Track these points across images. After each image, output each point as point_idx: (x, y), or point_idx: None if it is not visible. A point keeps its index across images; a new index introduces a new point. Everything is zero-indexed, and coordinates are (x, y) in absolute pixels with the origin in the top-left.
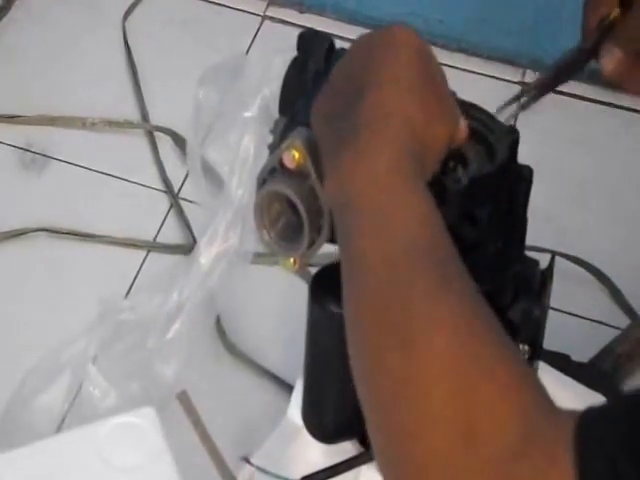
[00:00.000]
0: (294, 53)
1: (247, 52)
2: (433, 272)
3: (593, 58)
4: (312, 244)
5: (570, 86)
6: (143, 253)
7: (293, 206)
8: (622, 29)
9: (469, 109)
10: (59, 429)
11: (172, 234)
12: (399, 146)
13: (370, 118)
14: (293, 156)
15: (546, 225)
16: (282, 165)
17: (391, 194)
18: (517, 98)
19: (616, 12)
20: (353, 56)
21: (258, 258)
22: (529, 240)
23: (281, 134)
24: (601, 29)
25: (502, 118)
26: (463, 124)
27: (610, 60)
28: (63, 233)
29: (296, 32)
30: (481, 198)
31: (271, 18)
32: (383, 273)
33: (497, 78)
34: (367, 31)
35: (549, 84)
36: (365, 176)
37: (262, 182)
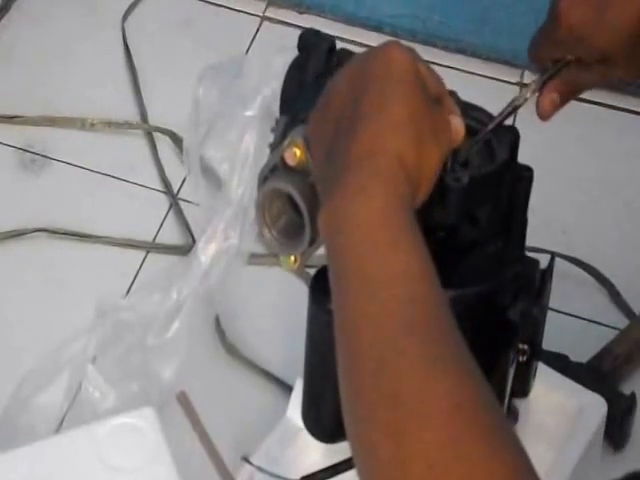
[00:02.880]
0: (294, 53)
1: (246, 53)
2: (421, 350)
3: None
4: (313, 242)
5: None
6: (142, 253)
7: (294, 204)
8: (568, 75)
9: (469, 110)
10: (58, 430)
11: (171, 234)
12: (388, 187)
13: (359, 155)
14: (294, 153)
15: (546, 226)
16: (284, 163)
17: (378, 251)
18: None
19: (571, 57)
20: (347, 78)
21: (257, 259)
22: (529, 240)
23: (282, 133)
24: (555, 69)
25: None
26: (458, 125)
27: (550, 104)
28: (62, 233)
29: (295, 33)
30: (481, 198)
31: (270, 19)
32: (370, 351)
33: (496, 79)
34: (366, 32)
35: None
36: (353, 225)
37: (263, 180)
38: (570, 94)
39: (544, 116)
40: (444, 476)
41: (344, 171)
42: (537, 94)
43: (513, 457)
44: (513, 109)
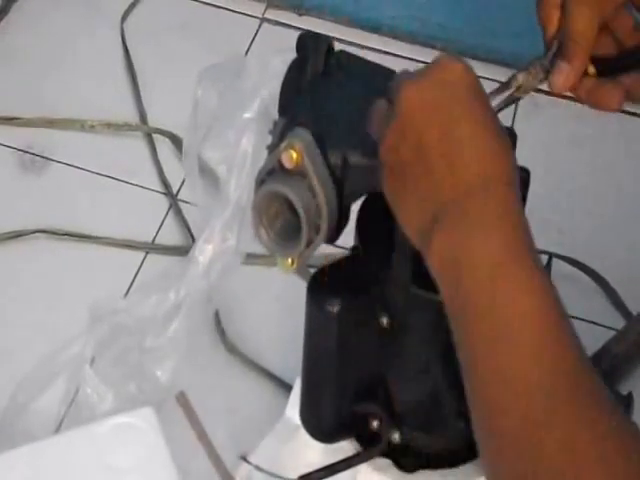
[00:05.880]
0: (292, 54)
1: (246, 54)
2: (562, 410)
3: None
4: (310, 244)
5: None
6: (142, 254)
7: (291, 206)
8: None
9: None
10: (56, 432)
11: (171, 235)
12: (505, 217)
13: (467, 193)
14: (291, 156)
15: (543, 227)
16: (281, 165)
17: (505, 294)
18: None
19: None
20: (413, 109)
21: (255, 259)
22: None
23: (280, 135)
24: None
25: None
26: None
27: (560, 75)
28: (62, 234)
29: (295, 34)
30: None
31: (269, 20)
32: (505, 412)
33: (495, 80)
34: (366, 33)
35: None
36: (473, 263)
37: (260, 182)
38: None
39: (559, 88)
40: None
41: (454, 206)
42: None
43: None
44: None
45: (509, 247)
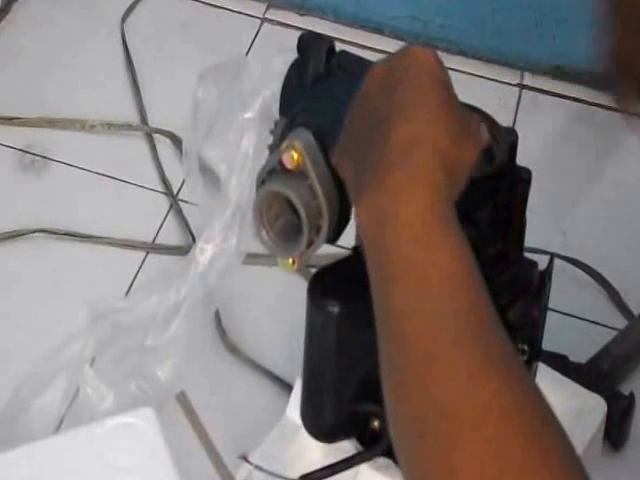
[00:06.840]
0: (294, 54)
1: (246, 55)
2: (464, 352)
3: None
4: (311, 244)
5: (569, 88)
6: (142, 254)
7: (292, 206)
8: None
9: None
10: (56, 432)
11: (171, 235)
12: (428, 182)
13: (398, 148)
14: (292, 156)
15: (545, 227)
16: (281, 165)
17: (420, 250)
18: None
19: None
20: (372, 85)
21: (255, 259)
22: (528, 242)
23: (281, 135)
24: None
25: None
26: (485, 130)
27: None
28: (62, 234)
29: (296, 35)
30: (480, 200)
31: (270, 21)
32: (413, 352)
33: (496, 80)
34: (367, 34)
35: None
36: (394, 223)
37: (261, 182)
38: None
39: None
40: None
41: (383, 165)
42: None
43: (565, 462)
44: None
45: (433, 207)
